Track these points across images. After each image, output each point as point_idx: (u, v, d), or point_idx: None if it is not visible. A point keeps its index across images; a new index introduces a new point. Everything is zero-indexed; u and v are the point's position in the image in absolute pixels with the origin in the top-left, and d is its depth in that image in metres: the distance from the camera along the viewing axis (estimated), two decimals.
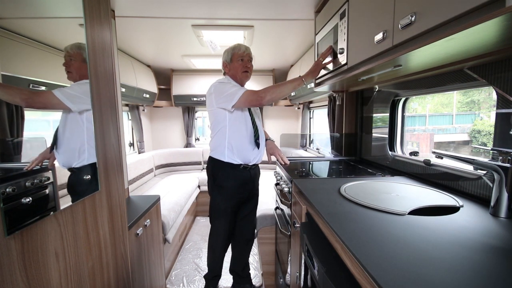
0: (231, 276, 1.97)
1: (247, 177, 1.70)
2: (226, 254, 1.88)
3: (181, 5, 1.75)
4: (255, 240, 2.51)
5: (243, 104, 1.58)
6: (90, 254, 1.00)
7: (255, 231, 1.97)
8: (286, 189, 1.54)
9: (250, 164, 1.70)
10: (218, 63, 3.45)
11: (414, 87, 1.36)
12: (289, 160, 2.00)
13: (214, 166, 1.70)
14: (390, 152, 1.62)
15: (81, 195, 0.97)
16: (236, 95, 1.56)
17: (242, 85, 1.72)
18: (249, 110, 1.70)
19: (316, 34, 1.77)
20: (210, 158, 1.73)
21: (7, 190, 0.70)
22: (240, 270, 1.90)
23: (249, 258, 1.97)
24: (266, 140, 1.83)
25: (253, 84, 3.81)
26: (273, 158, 1.83)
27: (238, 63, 1.67)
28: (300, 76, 1.55)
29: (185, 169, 3.95)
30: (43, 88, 0.87)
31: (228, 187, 1.67)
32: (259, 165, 1.83)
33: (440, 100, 1.97)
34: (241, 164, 1.66)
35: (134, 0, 1.67)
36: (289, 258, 1.42)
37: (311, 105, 3.52)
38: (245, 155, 1.66)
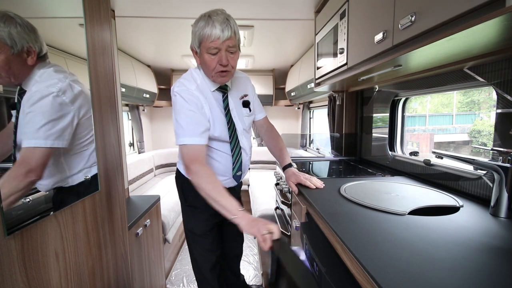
0: None
1: None
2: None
3: (181, 5, 1.75)
4: (255, 240, 2.50)
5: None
6: (90, 254, 1.00)
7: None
8: (286, 189, 1.54)
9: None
10: None
11: (414, 87, 1.36)
12: None
13: (184, 182, 1.27)
14: (390, 152, 1.62)
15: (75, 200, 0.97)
16: (178, 139, 1.09)
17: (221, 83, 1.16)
18: (233, 135, 1.20)
19: (316, 34, 1.77)
20: (177, 169, 1.33)
21: None
22: (234, 279, 1.70)
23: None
24: (285, 167, 1.33)
25: (253, 84, 3.80)
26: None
27: (209, 58, 1.03)
28: (239, 210, 0.97)
29: None
30: None
31: (201, 207, 1.26)
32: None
33: (440, 100, 1.97)
34: None
35: (134, 0, 1.67)
36: None
37: (311, 105, 3.52)
38: None
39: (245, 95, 1.27)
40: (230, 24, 1.01)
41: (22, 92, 0.73)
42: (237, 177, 1.29)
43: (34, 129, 0.73)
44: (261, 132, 1.50)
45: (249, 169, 1.46)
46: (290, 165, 1.33)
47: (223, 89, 1.18)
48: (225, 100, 1.19)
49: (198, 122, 1.08)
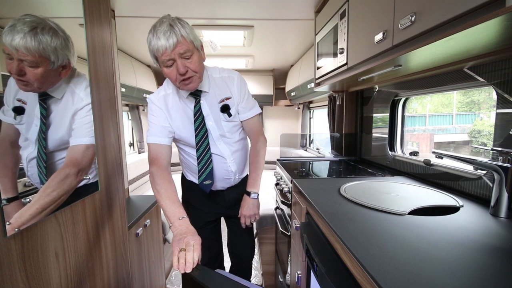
0: None
1: (212, 194, 1.31)
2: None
3: (181, 5, 1.75)
4: (255, 240, 2.50)
5: None
6: (90, 254, 1.00)
7: (255, 243, 1.67)
8: (286, 189, 1.54)
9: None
10: (218, 63, 3.45)
11: (414, 87, 1.36)
12: (289, 160, 1.99)
13: (182, 177, 1.41)
14: (390, 152, 1.62)
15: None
16: (147, 139, 1.15)
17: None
18: (202, 142, 1.17)
19: (316, 34, 1.77)
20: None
21: None
22: None
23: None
24: (247, 193, 1.30)
25: (253, 84, 3.81)
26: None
27: (167, 71, 1.02)
28: (179, 219, 0.95)
29: None
30: None
31: (194, 204, 1.36)
32: None
33: (440, 100, 1.97)
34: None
35: (134, 0, 1.67)
36: (289, 258, 1.41)
37: (311, 105, 3.52)
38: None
39: (226, 98, 1.18)
40: (175, 29, 0.95)
41: (45, 98, 0.75)
42: (205, 186, 1.21)
43: (89, 130, 0.87)
44: (248, 136, 1.36)
45: (247, 175, 1.41)
46: (251, 195, 1.28)
47: (195, 95, 1.14)
48: (197, 105, 1.14)
49: (159, 125, 1.13)
